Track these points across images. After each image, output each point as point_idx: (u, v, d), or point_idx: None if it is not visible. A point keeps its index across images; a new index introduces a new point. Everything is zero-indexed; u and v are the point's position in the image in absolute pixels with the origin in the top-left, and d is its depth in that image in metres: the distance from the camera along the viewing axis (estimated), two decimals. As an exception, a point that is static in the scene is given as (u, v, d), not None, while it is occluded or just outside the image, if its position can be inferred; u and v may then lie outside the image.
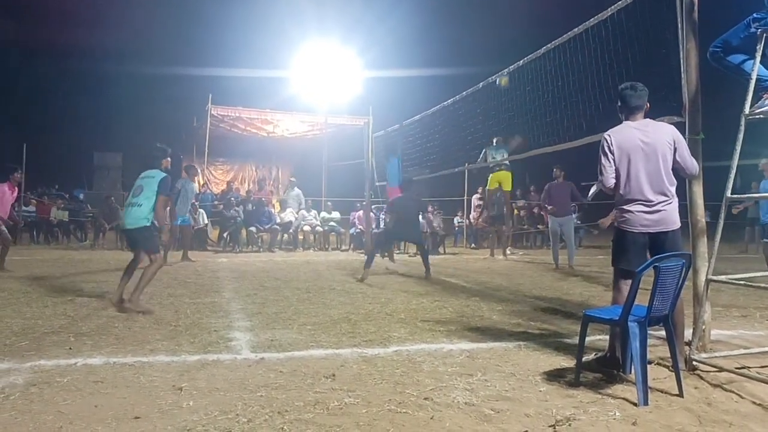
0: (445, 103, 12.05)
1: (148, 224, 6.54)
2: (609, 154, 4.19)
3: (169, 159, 6.95)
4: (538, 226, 18.21)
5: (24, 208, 17.09)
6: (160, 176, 6.63)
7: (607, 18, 6.06)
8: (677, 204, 4.20)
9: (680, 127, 4.48)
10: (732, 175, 4.17)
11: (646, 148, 4.11)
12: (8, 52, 32.27)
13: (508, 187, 13.86)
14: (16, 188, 10.68)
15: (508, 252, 15.75)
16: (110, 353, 4.55)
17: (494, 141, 13.05)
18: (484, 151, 13.09)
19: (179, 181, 11.77)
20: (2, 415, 3.22)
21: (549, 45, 7.49)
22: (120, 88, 31.47)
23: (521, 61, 8.49)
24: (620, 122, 4.32)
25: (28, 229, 16.97)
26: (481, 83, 10.13)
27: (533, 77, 8.46)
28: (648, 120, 4.28)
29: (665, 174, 4.13)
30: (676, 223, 4.17)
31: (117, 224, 7.05)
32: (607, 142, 4.21)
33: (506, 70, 9.13)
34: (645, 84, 4.29)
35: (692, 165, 4.22)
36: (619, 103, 4.33)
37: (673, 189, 4.17)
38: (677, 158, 4.14)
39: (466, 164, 13.69)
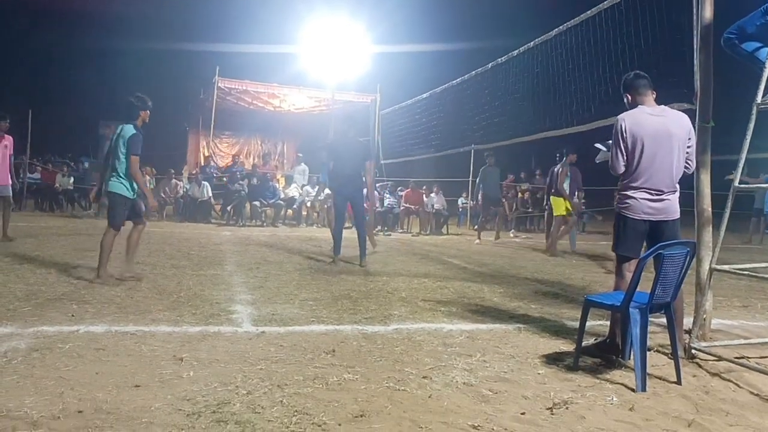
0: (453, 82, 11.98)
1: (128, 195, 6.26)
2: (621, 140, 4.13)
3: (148, 112, 6.42)
4: (542, 212, 18.17)
5: (29, 175, 17.14)
6: (129, 133, 6.17)
7: (621, 1, 5.97)
8: (679, 194, 4.19)
9: (690, 114, 4.44)
10: (741, 165, 4.14)
11: (662, 136, 4.04)
12: (15, 21, 32.12)
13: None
14: (6, 138, 9.24)
15: (511, 234, 15.78)
16: (112, 321, 4.58)
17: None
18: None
19: None
20: (4, 378, 3.25)
21: (561, 27, 7.41)
22: (127, 58, 31.36)
23: (531, 43, 8.41)
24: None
25: (33, 196, 17.02)
26: (490, 64, 10.05)
27: (543, 59, 8.40)
28: (665, 107, 4.23)
29: (676, 166, 4.09)
30: (677, 213, 4.16)
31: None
32: (621, 126, 4.13)
33: (516, 51, 9.05)
34: (657, 69, 4.26)
35: (695, 162, 4.23)
36: (628, 95, 4.26)
37: (677, 179, 4.16)
38: (688, 152, 4.13)
39: (473, 144, 13.62)
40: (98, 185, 6.71)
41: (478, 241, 13.10)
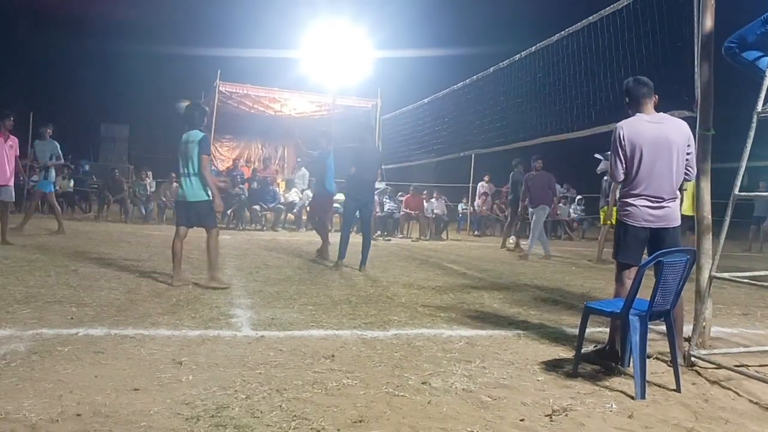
0: (454, 87, 11.99)
1: (210, 198, 6.42)
2: (620, 149, 4.14)
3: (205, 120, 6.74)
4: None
5: (29, 178, 17.11)
6: (199, 136, 6.40)
7: (622, 8, 5.98)
8: (680, 202, 4.19)
9: (691, 122, 4.45)
10: (741, 173, 4.14)
11: (661, 143, 4.06)
12: (18, 23, 32.21)
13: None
14: (12, 138, 9.08)
15: (511, 240, 15.75)
16: (111, 325, 4.58)
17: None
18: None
19: None
20: (3, 381, 3.24)
21: (562, 32, 7.42)
22: (129, 61, 31.43)
23: (533, 47, 8.43)
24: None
25: (33, 199, 16.97)
26: (492, 68, 10.07)
27: (545, 64, 8.41)
28: (664, 114, 4.24)
29: (676, 172, 4.10)
30: (677, 220, 4.16)
31: (177, 199, 6.66)
32: (619, 134, 4.15)
33: (518, 55, 9.06)
34: (658, 77, 4.26)
35: (695, 168, 4.24)
36: (627, 99, 4.29)
37: (678, 187, 4.16)
38: (688, 159, 4.14)
39: (474, 149, 13.64)
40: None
41: (517, 249, 13.09)
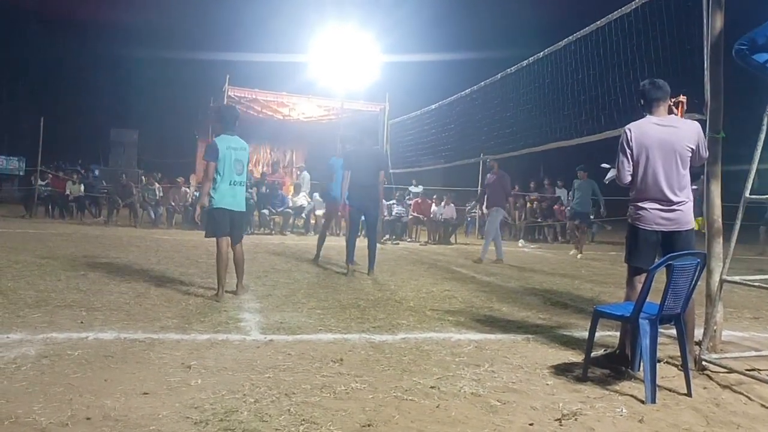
0: (462, 93, 11.99)
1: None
2: (627, 149, 4.14)
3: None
4: (548, 220, 18.13)
5: (40, 182, 17.27)
6: (246, 145, 6.24)
7: (630, 11, 5.96)
8: (692, 204, 4.17)
9: (701, 125, 4.42)
10: (752, 176, 4.11)
11: (668, 146, 4.05)
12: (28, 28, 32.47)
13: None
14: None
15: (519, 244, 15.75)
16: (121, 329, 4.60)
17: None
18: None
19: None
20: (14, 385, 3.26)
21: (570, 37, 7.40)
22: (138, 66, 31.64)
23: (541, 53, 8.41)
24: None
25: (43, 203, 17.14)
26: (500, 74, 10.06)
27: (553, 69, 8.38)
28: (673, 116, 4.23)
29: (679, 174, 4.08)
30: (690, 223, 4.14)
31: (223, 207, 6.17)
32: (626, 136, 4.16)
33: (526, 61, 9.05)
34: (667, 80, 4.23)
35: (704, 156, 4.20)
36: (641, 101, 4.28)
37: (688, 189, 4.14)
38: (696, 156, 4.11)
39: (482, 154, 13.63)
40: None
41: (574, 252, 13.04)
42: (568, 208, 14.99)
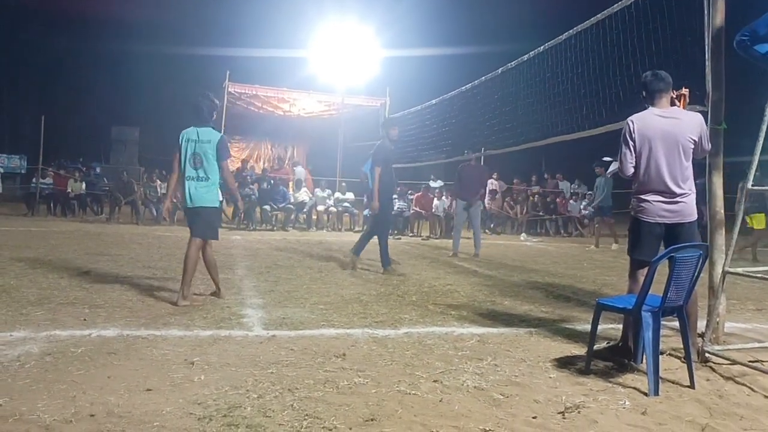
0: (463, 87, 11.94)
1: (218, 206, 5.89)
2: (630, 141, 4.13)
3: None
4: (552, 216, 18.11)
5: (42, 180, 17.27)
6: (217, 137, 5.70)
7: (631, 4, 5.94)
8: (695, 196, 4.16)
9: (702, 116, 4.41)
10: (754, 166, 4.10)
11: (671, 138, 4.04)
12: (28, 26, 32.43)
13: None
14: None
15: (522, 237, 15.74)
16: (124, 326, 4.60)
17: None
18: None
19: None
20: (18, 382, 3.27)
21: (571, 30, 7.36)
22: (139, 63, 31.56)
23: (542, 47, 8.37)
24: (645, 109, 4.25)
25: (45, 201, 17.14)
26: (500, 69, 10.02)
27: (553, 63, 8.35)
28: (675, 108, 4.21)
29: (682, 166, 4.07)
30: (693, 215, 4.13)
31: (177, 202, 6.01)
32: (629, 128, 4.15)
33: (526, 55, 9.02)
34: (669, 72, 4.22)
35: (707, 149, 4.18)
36: (643, 93, 4.27)
37: (691, 181, 4.13)
38: (698, 148, 4.10)
39: (483, 149, 13.60)
40: (172, 197, 6.28)
41: (592, 247, 13.49)
42: (590, 208, 15.13)
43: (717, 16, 4.58)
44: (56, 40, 32.26)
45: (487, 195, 17.99)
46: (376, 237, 8.17)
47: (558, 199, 18.77)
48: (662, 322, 3.75)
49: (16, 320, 4.62)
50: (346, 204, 16.81)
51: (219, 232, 6.07)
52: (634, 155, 4.14)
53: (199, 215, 5.74)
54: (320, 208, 16.35)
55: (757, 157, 4.06)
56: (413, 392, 3.37)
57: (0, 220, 14.23)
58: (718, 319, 4.42)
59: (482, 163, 16.83)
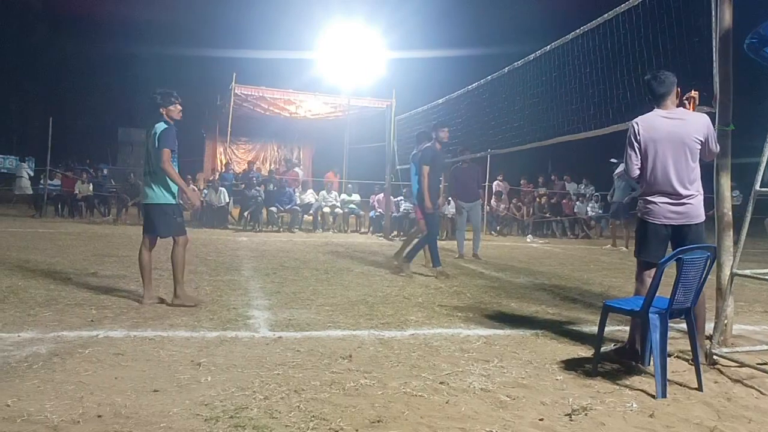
0: (469, 87, 11.94)
1: (171, 202, 5.62)
2: (635, 143, 4.12)
3: (176, 108, 5.82)
4: (558, 217, 18.04)
5: (49, 182, 17.35)
6: (161, 128, 5.55)
7: (638, 4, 5.92)
8: (702, 198, 4.13)
9: (710, 118, 4.39)
10: (762, 168, 4.07)
11: (676, 139, 4.02)
12: (36, 28, 32.60)
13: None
14: None
15: (528, 239, 15.70)
16: (131, 327, 4.62)
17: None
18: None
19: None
20: (25, 383, 3.28)
21: (578, 30, 7.35)
22: (145, 64, 31.67)
23: (548, 47, 8.36)
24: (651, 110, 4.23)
25: (53, 203, 17.22)
26: (506, 68, 10.01)
27: (560, 63, 8.33)
28: (681, 109, 4.18)
29: (689, 167, 4.05)
30: (700, 217, 4.10)
31: (138, 200, 5.96)
32: (634, 129, 4.14)
33: (533, 55, 9.00)
34: (675, 72, 4.19)
35: (715, 151, 4.15)
36: (649, 95, 4.25)
37: (698, 183, 4.10)
38: (705, 149, 4.07)
39: (489, 150, 13.58)
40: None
41: (609, 246, 13.74)
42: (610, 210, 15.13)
43: (725, 16, 4.56)
44: (64, 42, 32.44)
45: (492, 197, 17.99)
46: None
47: (564, 201, 18.71)
48: (670, 324, 3.73)
49: (24, 321, 4.64)
50: (352, 206, 16.82)
51: (180, 228, 5.72)
52: (639, 157, 4.12)
53: (147, 214, 5.68)
54: (326, 209, 16.36)
55: (765, 159, 4.03)
56: (419, 394, 3.36)
57: (8, 221, 14.30)
58: (726, 321, 4.39)
59: (488, 163, 16.87)
